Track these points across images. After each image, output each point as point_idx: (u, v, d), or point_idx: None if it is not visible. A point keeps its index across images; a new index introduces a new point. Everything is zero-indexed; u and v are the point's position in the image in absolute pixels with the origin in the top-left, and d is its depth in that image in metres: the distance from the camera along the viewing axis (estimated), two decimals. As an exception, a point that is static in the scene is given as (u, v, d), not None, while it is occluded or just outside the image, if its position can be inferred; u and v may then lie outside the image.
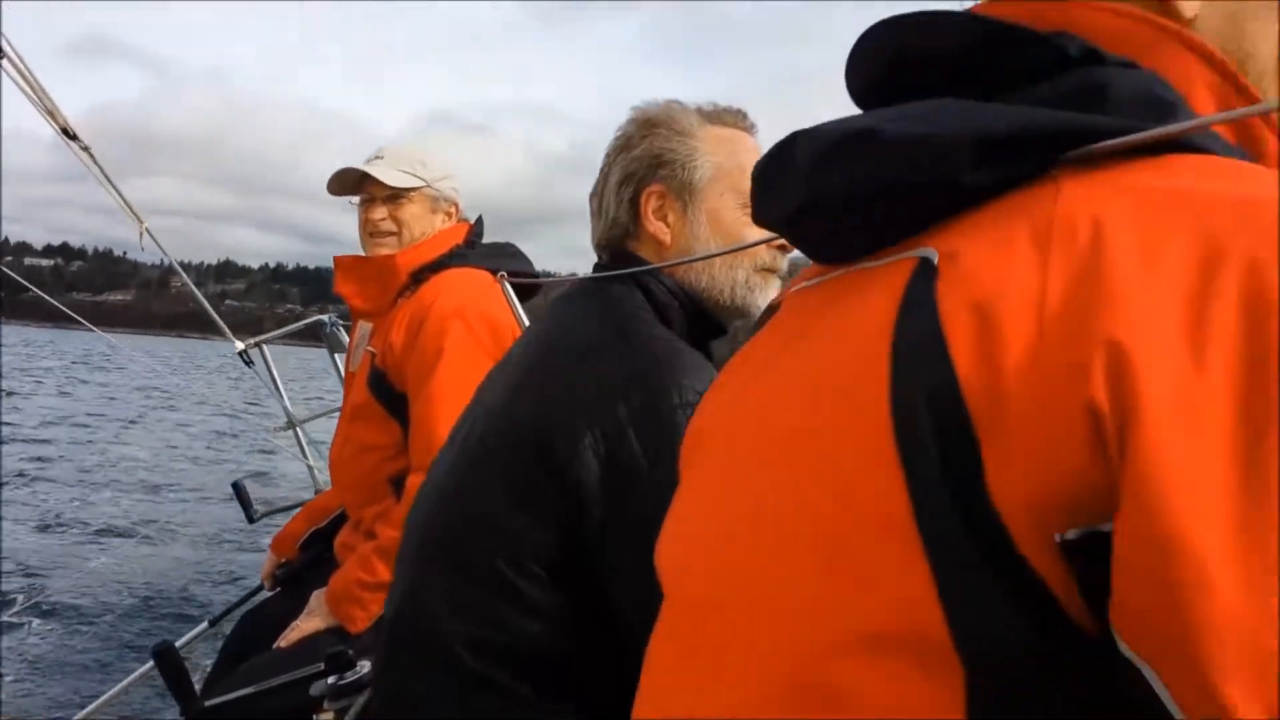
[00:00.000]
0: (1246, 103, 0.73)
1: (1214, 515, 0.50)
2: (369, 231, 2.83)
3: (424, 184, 2.81)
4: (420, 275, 2.72)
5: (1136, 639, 0.53)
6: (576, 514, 1.42)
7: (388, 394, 2.63)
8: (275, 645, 2.63)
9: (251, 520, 4.00)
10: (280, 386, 4.29)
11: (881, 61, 0.79)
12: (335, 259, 2.85)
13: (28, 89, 2.78)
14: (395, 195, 2.80)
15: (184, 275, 3.92)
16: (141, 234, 3.34)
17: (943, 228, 0.68)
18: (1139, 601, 0.52)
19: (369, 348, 2.76)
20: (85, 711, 3.88)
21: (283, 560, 3.20)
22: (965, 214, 0.67)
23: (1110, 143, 0.63)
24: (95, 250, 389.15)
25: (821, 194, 0.74)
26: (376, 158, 2.83)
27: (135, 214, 3.30)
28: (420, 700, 1.55)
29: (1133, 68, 0.71)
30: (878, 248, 0.72)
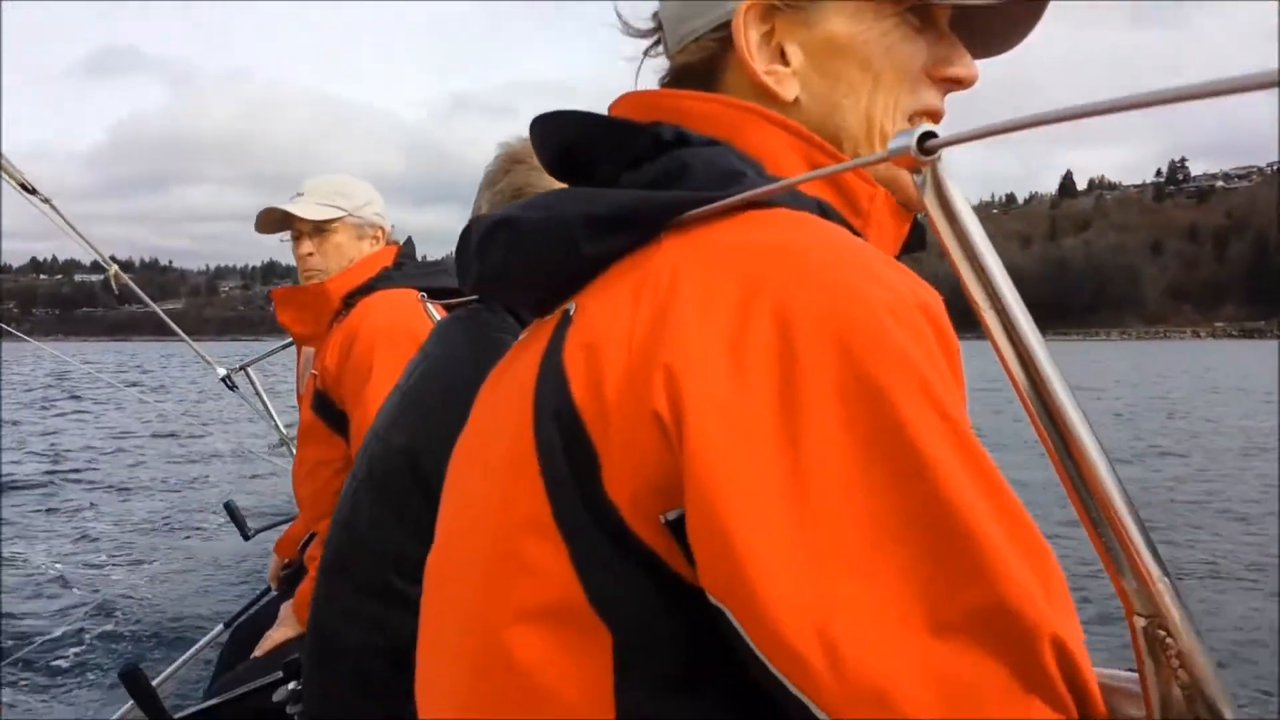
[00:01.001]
0: (830, 159, 0.90)
1: (751, 495, 0.65)
2: (301, 266, 3.01)
3: (345, 213, 2.98)
4: (351, 299, 2.88)
5: (713, 590, 0.67)
6: None
7: (329, 412, 2.79)
8: (252, 655, 2.82)
9: (247, 538, 4.19)
10: (269, 406, 4.44)
11: (551, 147, 0.96)
12: (271, 292, 3.04)
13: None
14: (319, 228, 2.97)
15: (156, 308, 4.06)
16: (113, 278, 3.49)
17: (587, 287, 0.84)
18: (707, 564, 0.67)
19: (312, 370, 2.93)
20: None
21: (286, 561, 3.39)
22: (600, 274, 0.83)
23: (694, 212, 0.79)
24: (142, 261, 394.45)
25: (486, 270, 0.92)
26: (299, 194, 2.99)
27: (104, 258, 3.45)
28: (339, 705, 1.74)
29: (714, 144, 0.87)
30: (553, 306, 0.88)
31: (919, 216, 0.98)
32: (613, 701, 0.72)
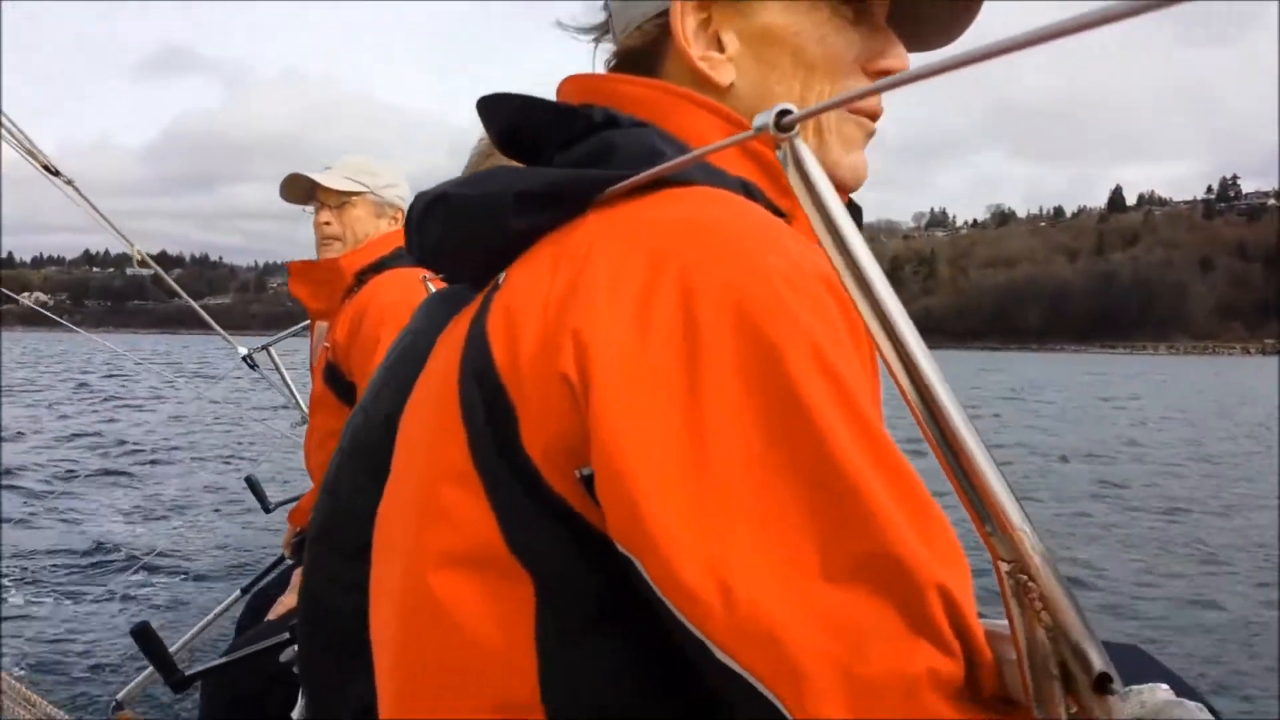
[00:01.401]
0: (760, 143, 0.90)
1: (652, 452, 0.69)
2: (319, 236, 3.10)
3: (368, 190, 3.06)
4: (363, 276, 2.96)
5: (620, 539, 0.71)
6: None
7: (340, 384, 2.88)
8: (265, 619, 2.92)
9: (268, 510, 4.29)
10: (291, 385, 4.54)
11: (496, 127, 1.00)
12: (288, 265, 3.12)
13: (6, 133, 3.03)
14: (341, 201, 3.05)
15: (172, 283, 4.16)
16: (136, 258, 3.58)
17: (519, 258, 0.88)
18: (613, 515, 0.71)
19: (325, 343, 3.01)
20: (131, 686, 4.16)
21: (299, 530, 3.47)
22: (531, 247, 0.87)
23: (615, 188, 0.83)
24: (192, 256, 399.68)
25: (426, 243, 0.99)
26: (327, 167, 3.08)
27: (127, 239, 3.55)
28: (324, 668, 1.80)
29: (643, 126, 0.92)
30: (489, 278, 0.93)
31: (852, 199, 1.03)
32: (533, 643, 0.76)
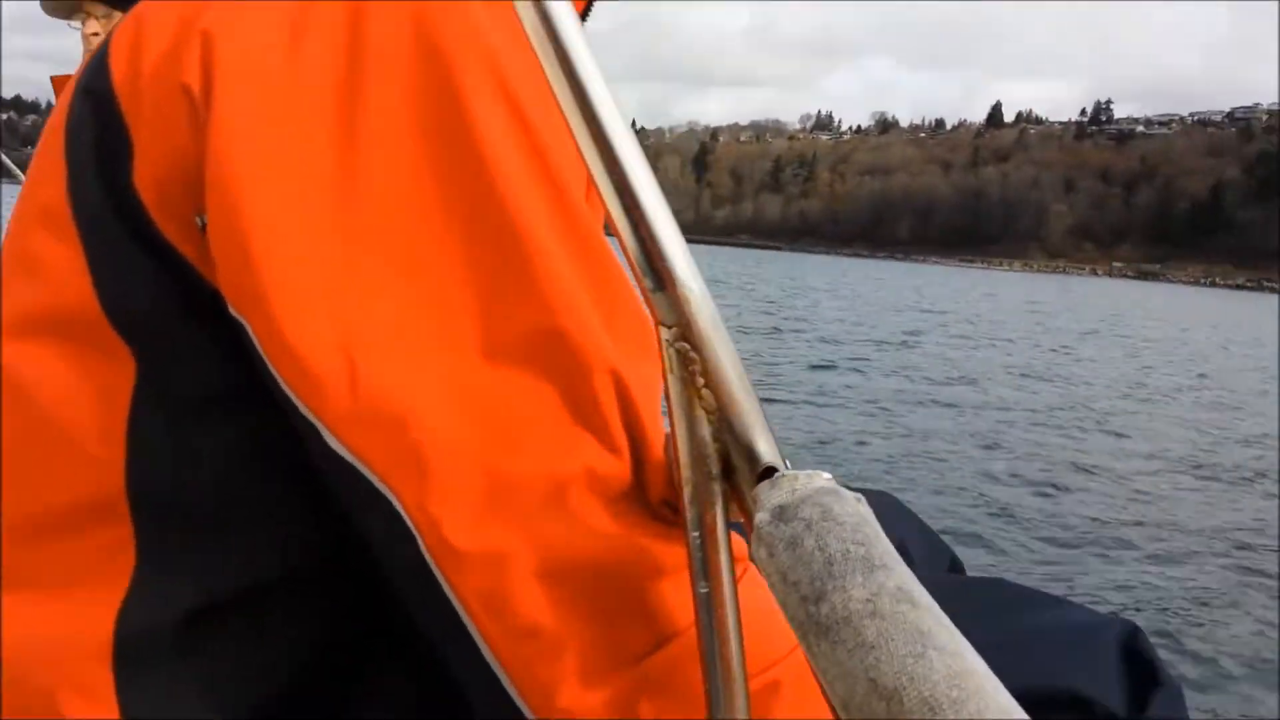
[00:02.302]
0: None
1: (281, 183, 0.57)
2: (86, 50, 2.82)
3: None
4: None
5: (231, 297, 0.59)
6: None
7: None
8: None
9: None
10: None
11: None
12: (52, 79, 2.69)
13: None
14: (108, 11, 2.72)
15: None
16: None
17: None
18: (224, 265, 0.58)
19: None
20: None
21: None
22: None
23: None
24: (49, 104, 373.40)
25: None
26: None
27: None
28: None
29: None
30: None
31: None
32: (124, 430, 0.63)
